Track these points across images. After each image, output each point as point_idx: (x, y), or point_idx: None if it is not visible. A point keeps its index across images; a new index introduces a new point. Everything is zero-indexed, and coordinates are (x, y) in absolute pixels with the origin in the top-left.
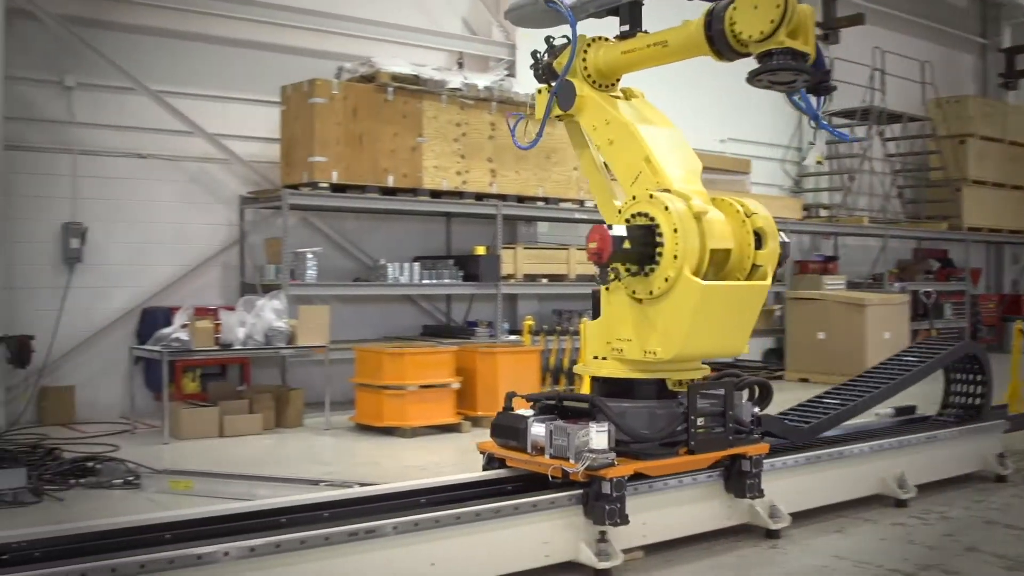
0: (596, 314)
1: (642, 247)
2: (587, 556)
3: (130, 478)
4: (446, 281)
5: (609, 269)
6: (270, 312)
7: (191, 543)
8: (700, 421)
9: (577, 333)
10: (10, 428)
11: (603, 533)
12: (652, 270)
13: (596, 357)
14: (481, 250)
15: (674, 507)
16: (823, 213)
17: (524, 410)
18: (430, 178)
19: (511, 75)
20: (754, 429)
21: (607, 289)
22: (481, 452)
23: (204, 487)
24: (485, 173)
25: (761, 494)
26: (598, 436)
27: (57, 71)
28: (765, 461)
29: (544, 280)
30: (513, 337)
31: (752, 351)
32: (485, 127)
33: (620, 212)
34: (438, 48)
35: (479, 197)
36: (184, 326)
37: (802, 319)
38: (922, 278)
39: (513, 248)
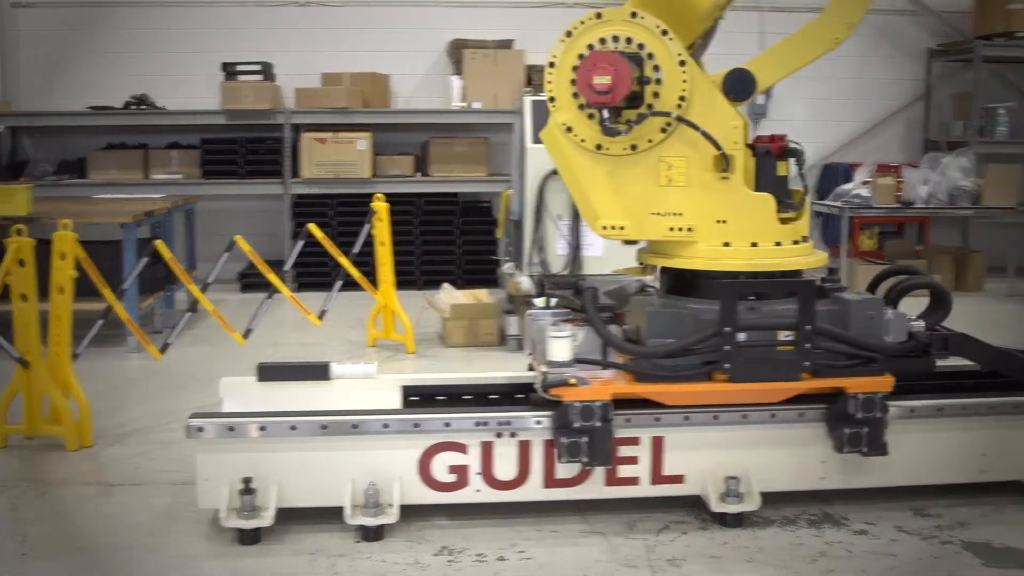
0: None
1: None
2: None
3: None
4: None
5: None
6: (955, 170)
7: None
8: (743, 336)
9: None
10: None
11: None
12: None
13: (727, 244)
14: None
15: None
16: None
17: (539, 299)
18: None
19: None
20: (916, 354)
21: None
22: None
23: None
24: None
25: (877, 450)
26: (558, 342)
27: None
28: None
29: None
30: None
31: None
32: None
33: (570, 35)
34: None
35: None
36: (865, 182)
37: None
38: None
39: None
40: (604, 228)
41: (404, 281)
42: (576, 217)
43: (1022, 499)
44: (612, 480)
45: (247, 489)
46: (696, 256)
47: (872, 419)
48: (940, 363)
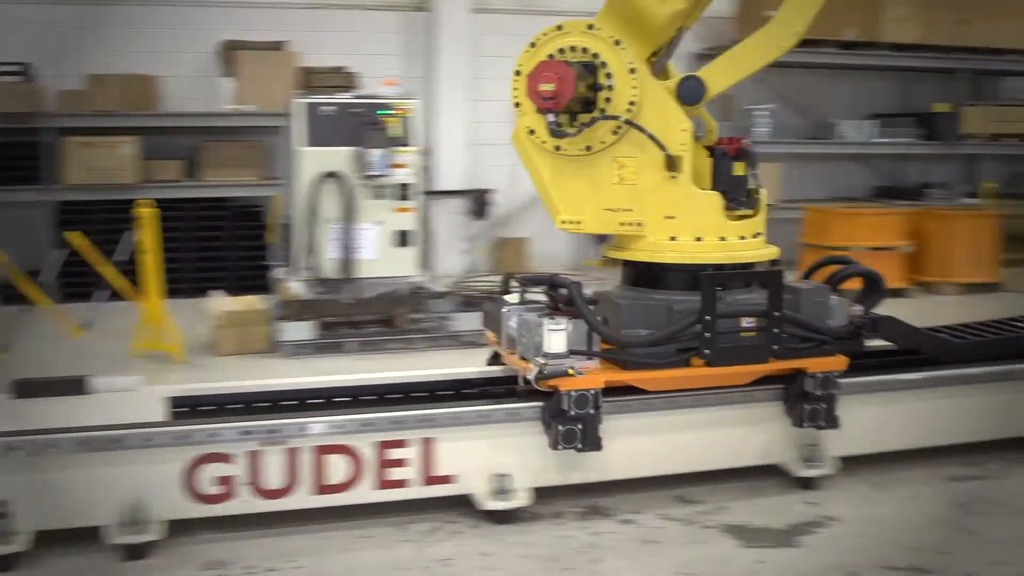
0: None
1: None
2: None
3: None
4: (902, 140)
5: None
6: None
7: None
8: (722, 323)
9: None
10: (469, 275)
11: None
12: (599, 119)
13: (674, 238)
14: (943, 107)
15: (685, 433)
16: None
17: (512, 295)
18: (891, 31)
19: None
20: (852, 336)
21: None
22: (490, 344)
23: None
24: (952, 24)
25: (830, 423)
26: (554, 335)
27: None
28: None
29: (1010, 140)
30: (971, 200)
31: None
32: None
33: (534, 45)
34: None
35: (945, 50)
36: None
37: None
38: None
39: (977, 105)
40: (563, 222)
41: (175, 289)
42: (349, 220)
43: (779, 482)
44: (382, 484)
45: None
46: (644, 249)
47: (828, 396)
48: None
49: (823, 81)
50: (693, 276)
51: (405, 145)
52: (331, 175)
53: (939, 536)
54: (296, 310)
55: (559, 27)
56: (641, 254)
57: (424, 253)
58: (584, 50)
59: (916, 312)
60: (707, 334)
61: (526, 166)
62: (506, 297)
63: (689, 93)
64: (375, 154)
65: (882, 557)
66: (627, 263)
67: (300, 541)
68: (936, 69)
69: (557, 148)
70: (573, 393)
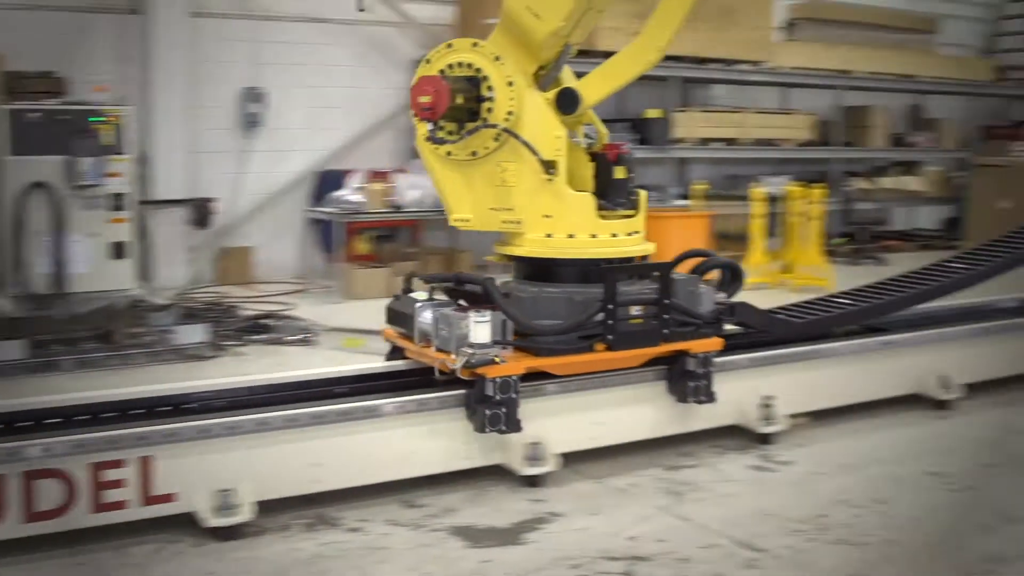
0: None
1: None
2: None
3: (305, 335)
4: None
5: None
6: None
7: (362, 396)
8: (624, 311)
9: (749, 199)
10: (191, 287)
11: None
12: (481, 127)
13: (549, 235)
14: (654, 113)
15: (591, 412)
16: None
17: (420, 292)
18: (607, 39)
19: None
20: (717, 320)
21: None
22: (386, 340)
23: (376, 345)
24: None
25: (711, 398)
26: (479, 327)
27: None
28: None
29: (717, 144)
30: (683, 202)
31: (930, 220)
32: None
33: (428, 61)
34: None
35: None
36: (358, 189)
37: (985, 187)
38: None
39: (686, 111)
40: (455, 220)
41: None
42: (59, 232)
43: (502, 482)
44: (98, 507)
45: None
46: (523, 245)
47: (707, 373)
48: None
49: None
50: (583, 269)
51: (119, 153)
52: (38, 185)
53: (655, 525)
54: (4, 329)
55: (449, 44)
56: (521, 249)
57: (143, 265)
58: (469, 65)
59: None
60: (610, 321)
61: (426, 169)
62: (413, 295)
63: (566, 103)
64: (86, 163)
65: (603, 549)
66: (520, 259)
67: (12, 573)
68: (648, 77)
69: (448, 154)
70: (498, 379)
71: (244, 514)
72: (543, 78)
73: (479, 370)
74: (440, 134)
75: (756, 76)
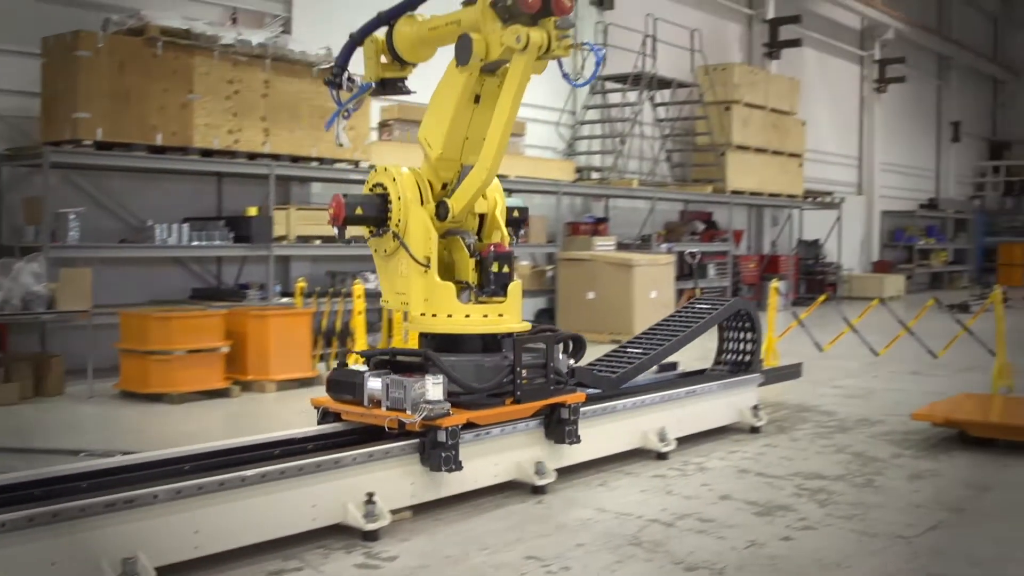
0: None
1: (377, 212)
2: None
3: None
4: (216, 243)
5: (344, 230)
6: (28, 275)
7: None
8: (524, 373)
9: (350, 295)
10: None
11: (371, 495)
12: (385, 231)
13: (423, 314)
14: (253, 211)
15: (501, 453)
16: (595, 176)
17: (358, 366)
18: (201, 136)
19: (287, 32)
20: (569, 379)
21: (376, 250)
22: (315, 407)
23: None
24: (258, 132)
25: (578, 440)
26: (434, 388)
27: None
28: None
29: (318, 241)
30: (285, 300)
31: (525, 311)
32: (259, 85)
33: (366, 182)
34: (211, 2)
35: (251, 156)
36: None
37: (573, 279)
38: (688, 239)
39: (286, 209)
40: (383, 301)
41: None
42: None
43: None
44: None
45: None
46: (412, 322)
47: (575, 420)
48: None
49: (138, 185)
50: (485, 341)
51: None
52: None
53: None
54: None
55: (372, 167)
56: (411, 325)
57: None
58: (380, 185)
59: (236, 411)
60: (518, 380)
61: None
62: (355, 367)
63: (441, 213)
64: None
65: None
66: (425, 335)
67: None
68: (245, 175)
69: (375, 250)
70: (449, 428)
71: None
72: (449, 191)
73: (436, 421)
74: (365, 234)
75: (355, 175)
